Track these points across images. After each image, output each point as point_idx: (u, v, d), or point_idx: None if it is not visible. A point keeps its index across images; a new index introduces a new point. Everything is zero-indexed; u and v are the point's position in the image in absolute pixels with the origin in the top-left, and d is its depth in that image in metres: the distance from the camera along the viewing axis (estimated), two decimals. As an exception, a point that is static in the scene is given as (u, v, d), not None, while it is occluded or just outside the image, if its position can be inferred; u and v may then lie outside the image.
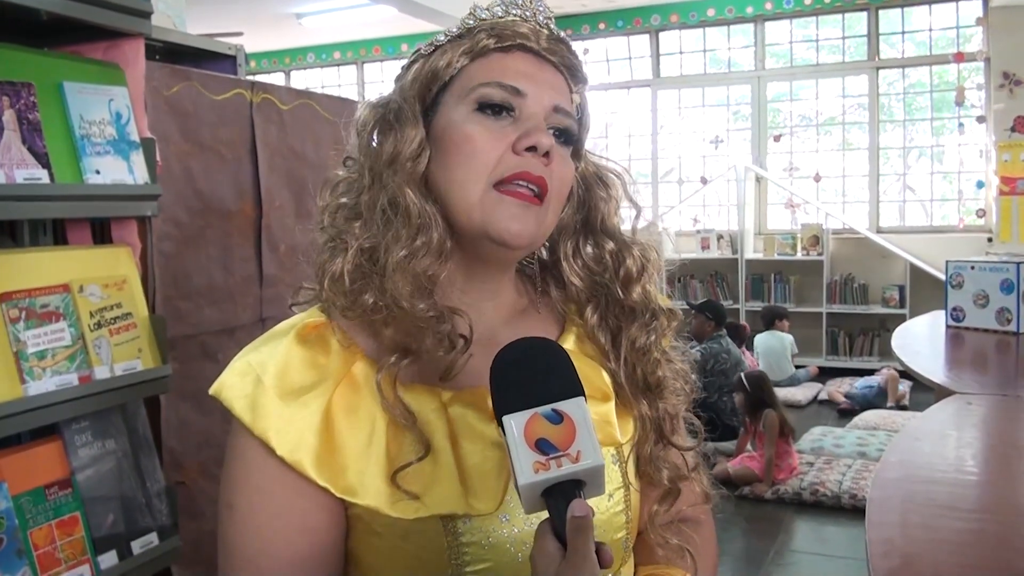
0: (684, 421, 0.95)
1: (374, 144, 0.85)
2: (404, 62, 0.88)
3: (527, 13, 0.85)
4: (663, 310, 0.92)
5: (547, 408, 0.66)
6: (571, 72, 0.87)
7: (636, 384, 0.89)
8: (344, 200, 0.85)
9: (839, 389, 6.18)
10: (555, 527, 0.64)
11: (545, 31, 0.85)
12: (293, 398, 0.78)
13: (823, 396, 6.24)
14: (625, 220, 0.94)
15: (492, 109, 0.81)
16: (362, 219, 0.83)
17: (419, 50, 0.87)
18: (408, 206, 0.80)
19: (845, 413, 5.69)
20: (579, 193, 0.92)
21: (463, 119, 0.81)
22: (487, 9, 0.86)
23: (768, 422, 4.30)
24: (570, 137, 0.86)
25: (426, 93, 0.84)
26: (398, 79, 0.88)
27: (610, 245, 0.91)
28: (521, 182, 0.80)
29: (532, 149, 0.80)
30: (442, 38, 0.85)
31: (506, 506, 0.79)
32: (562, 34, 0.87)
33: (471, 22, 0.85)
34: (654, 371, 0.90)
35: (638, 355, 0.89)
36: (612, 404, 0.88)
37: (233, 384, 0.79)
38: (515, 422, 0.66)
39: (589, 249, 0.92)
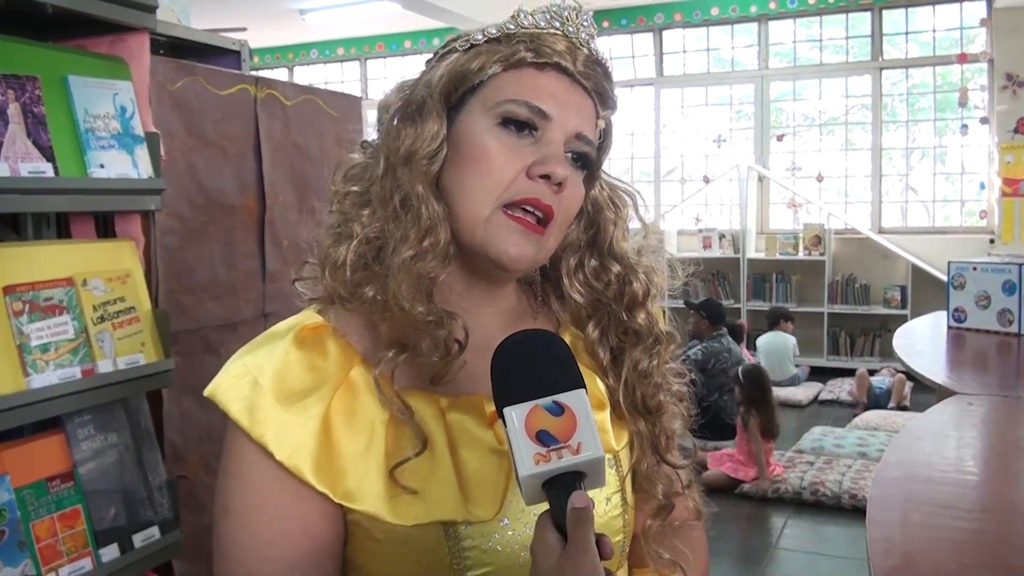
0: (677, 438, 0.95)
1: (394, 128, 0.84)
2: (437, 48, 0.87)
3: (570, 28, 0.83)
4: (665, 334, 0.91)
5: (548, 400, 0.67)
6: (601, 98, 0.86)
7: (635, 405, 0.89)
8: (355, 188, 0.85)
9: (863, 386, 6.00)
10: (555, 519, 0.64)
11: (584, 51, 0.84)
12: (292, 402, 0.77)
13: (825, 396, 6.22)
14: (632, 222, 0.94)
15: (515, 125, 0.80)
16: (371, 207, 0.82)
17: (455, 43, 0.85)
18: (419, 207, 0.79)
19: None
20: (589, 212, 0.91)
21: (484, 131, 0.80)
22: (531, 15, 0.83)
23: (750, 426, 4.35)
24: (587, 163, 0.85)
25: (452, 92, 0.82)
26: (429, 65, 0.86)
27: (616, 268, 0.90)
28: (528, 207, 0.79)
29: (546, 177, 0.79)
30: (480, 37, 0.83)
31: (506, 510, 0.79)
32: (601, 55, 0.86)
33: (512, 28, 0.83)
34: (654, 395, 0.90)
35: (639, 377, 0.89)
36: (607, 412, 0.88)
37: (229, 386, 0.78)
38: (516, 414, 0.66)
39: (593, 265, 0.91)
